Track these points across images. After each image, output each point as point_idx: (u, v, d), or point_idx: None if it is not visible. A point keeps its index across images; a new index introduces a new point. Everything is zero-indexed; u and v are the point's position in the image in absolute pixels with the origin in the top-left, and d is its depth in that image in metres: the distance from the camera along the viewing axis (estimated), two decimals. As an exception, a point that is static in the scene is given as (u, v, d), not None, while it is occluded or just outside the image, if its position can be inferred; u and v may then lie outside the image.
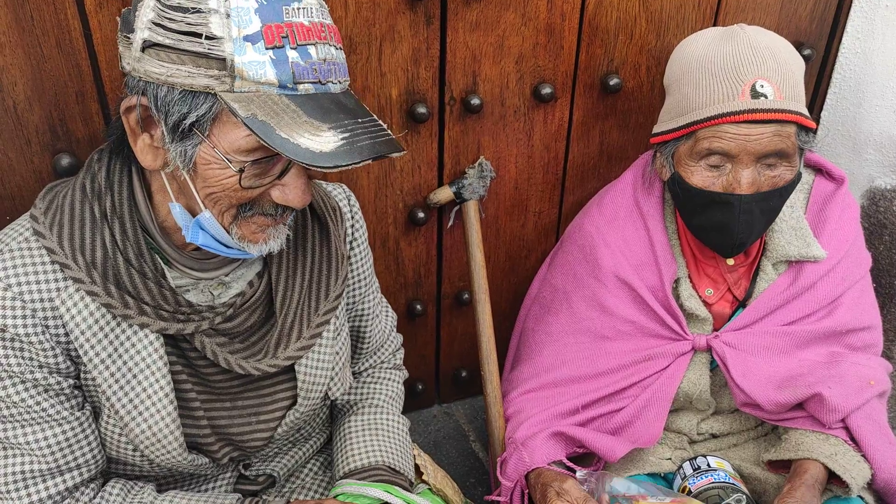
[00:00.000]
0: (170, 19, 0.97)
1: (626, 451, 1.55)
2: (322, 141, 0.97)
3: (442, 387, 2.18)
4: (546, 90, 1.73)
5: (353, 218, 1.39)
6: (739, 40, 1.47)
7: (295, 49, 0.99)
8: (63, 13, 1.29)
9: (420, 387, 2.12)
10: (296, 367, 1.28)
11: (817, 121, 2.06)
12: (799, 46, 1.92)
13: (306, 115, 0.98)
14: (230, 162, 1.02)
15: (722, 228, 1.50)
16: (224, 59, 0.96)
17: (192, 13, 0.96)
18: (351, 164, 0.97)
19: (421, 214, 1.79)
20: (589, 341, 1.69)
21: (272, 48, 0.97)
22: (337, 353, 1.33)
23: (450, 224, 1.85)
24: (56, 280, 1.10)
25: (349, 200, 1.40)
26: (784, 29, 1.89)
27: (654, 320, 1.63)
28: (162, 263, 1.16)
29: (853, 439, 1.50)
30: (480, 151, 1.79)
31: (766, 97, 1.42)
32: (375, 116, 1.07)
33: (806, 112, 1.46)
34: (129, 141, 1.08)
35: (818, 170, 1.71)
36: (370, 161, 1.00)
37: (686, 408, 1.68)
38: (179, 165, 1.05)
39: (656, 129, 1.59)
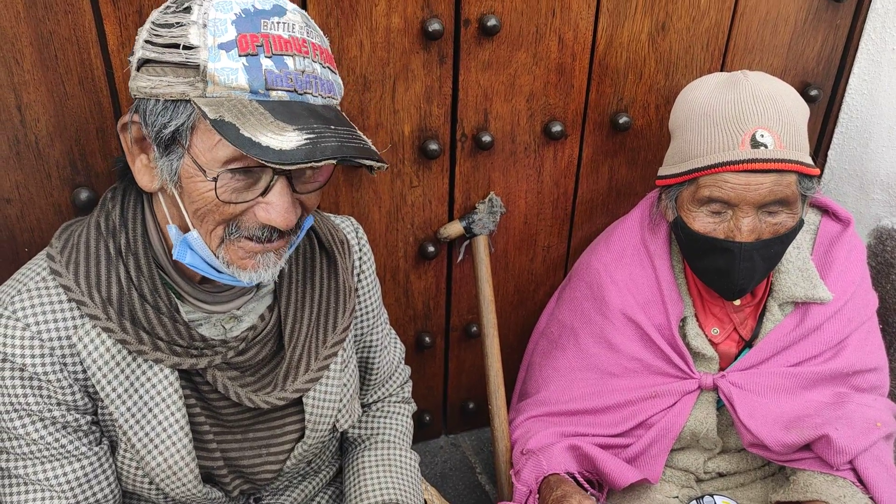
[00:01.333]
0: (158, 35, 1.02)
1: (636, 479, 1.55)
2: (284, 139, 0.96)
3: (449, 418, 2.19)
4: (556, 128, 1.76)
5: (360, 250, 1.40)
6: (742, 88, 1.48)
7: (270, 58, 1.00)
8: (87, 52, 1.33)
9: (427, 418, 2.12)
10: (303, 400, 1.29)
11: (824, 160, 2.08)
12: (806, 87, 1.94)
13: (274, 117, 0.98)
14: (206, 172, 1.02)
15: (723, 274, 1.52)
16: (198, 66, 0.99)
17: (176, 27, 1.01)
18: (310, 163, 0.95)
19: (431, 248, 1.81)
20: (596, 377, 1.70)
21: (245, 55, 0.99)
22: (345, 385, 1.34)
23: (459, 258, 1.87)
24: (73, 318, 1.11)
25: (357, 233, 1.41)
26: (791, 70, 1.92)
27: (660, 358, 1.64)
28: (175, 298, 1.18)
29: (861, 481, 1.50)
30: (491, 187, 1.81)
31: (766, 147, 1.43)
32: (359, 131, 1.07)
33: (808, 160, 1.47)
34: (129, 162, 1.11)
35: (825, 210, 1.72)
36: (333, 162, 0.97)
37: (693, 446, 1.68)
38: (167, 180, 1.07)
39: (661, 172, 1.61)
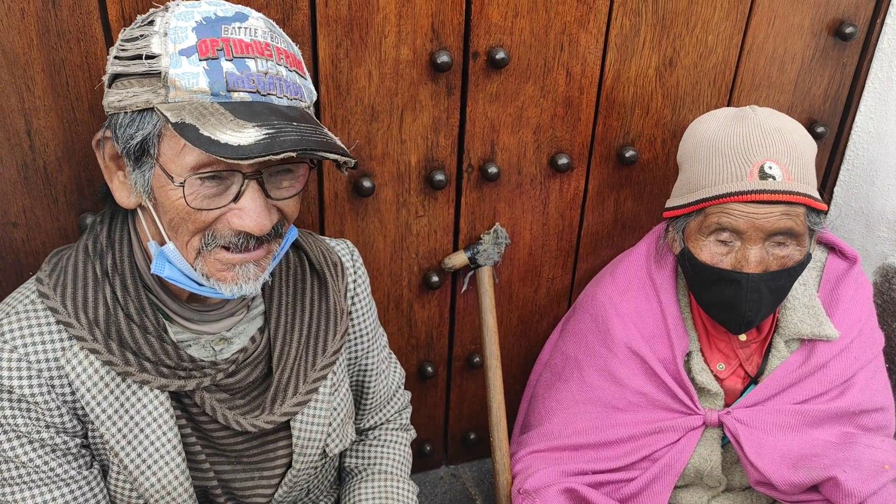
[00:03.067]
0: (124, 49, 1.04)
1: None
2: (243, 136, 0.96)
3: (450, 448, 2.17)
4: (563, 160, 1.76)
5: (355, 273, 1.40)
6: (750, 122, 1.49)
7: (231, 61, 1.01)
8: (98, 80, 1.33)
9: (428, 448, 2.11)
10: (291, 423, 1.27)
11: (830, 197, 2.08)
12: (812, 124, 1.95)
13: (234, 116, 0.99)
14: (172, 178, 1.03)
15: (730, 306, 1.51)
16: (160, 73, 1.00)
17: (140, 39, 1.03)
18: (267, 156, 0.94)
19: (435, 278, 1.81)
20: (599, 411, 1.68)
21: (206, 59, 1.00)
22: (335, 409, 1.33)
23: (464, 289, 1.86)
24: (61, 340, 1.11)
25: (352, 255, 1.41)
26: (798, 107, 1.92)
27: (664, 393, 1.63)
28: (163, 319, 1.17)
29: (868, 526, 1.48)
30: (496, 218, 1.81)
31: (774, 178, 1.43)
32: (327, 130, 1.06)
33: (815, 195, 1.47)
34: (106, 180, 1.12)
35: (831, 248, 1.72)
36: (293, 155, 0.96)
37: (696, 484, 1.66)
38: (141, 193, 1.07)
39: (668, 204, 1.61)
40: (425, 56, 1.56)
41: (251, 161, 0.95)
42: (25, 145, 1.34)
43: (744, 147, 1.47)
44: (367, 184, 1.61)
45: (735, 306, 1.50)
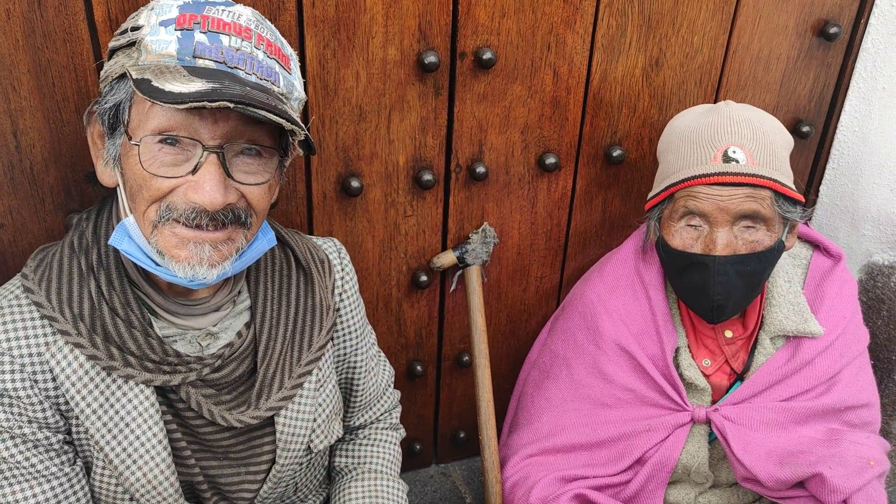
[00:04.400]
0: (121, 28, 1.09)
1: None
2: (187, 87, 0.97)
3: (440, 447, 2.17)
4: (550, 160, 1.77)
5: (343, 270, 1.40)
6: (720, 113, 1.53)
7: (205, 33, 1.04)
8: (84, 80, 1.33)
9: (418, 447, 2.11)
10: (275, 418, 1.27)
11: (816, 196, 2.09)
12: (798, 124, 1.96)
13: (191, 74, 1.00)
14: (131, 138, 1.04)
15: (700, 290, 1.52)
16: (137, 41, 1.04)
17: (134, 16, 1.08)
18: (203, 101, 0.94)
19: (424, 278, 1.81)
20: (589, 408, 1.69)
21: (181, 29, 1.03)
22: (320, 405, 1.33)
23: (452, 288, 1.87)
24: (45, 335, 1.11)
25: (339, 253, 1.41)
26: (783, 106, 1.94)
27: (653, 389, 1.64)
28: (149, 314, 1.17)
29: (854, 521, 1.49)
30: (484, 217, 1.82)
31: (737, 161, 1.46)
32: (290, 110, 1.09)
33: (783, 180, 1.49)
34: (93, 159, 1.15)
35: (816, 246, 1.73)
36: (230, 105, 0.95)
37: (684, 480, 1.67)
38: (111, 164, 1.10)
39: (648, 197, 1.63)
40: (413, 56, 1.56)
41: (183, 106, 0.94)
42: (11, 146, 1.34)
43: (710, 134, 1.51)
44: (355, 184, 1.62)
45: (704, 290, 1.51)
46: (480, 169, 1.72)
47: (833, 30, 1.83)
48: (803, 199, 1.52)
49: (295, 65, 1.16)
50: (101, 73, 1.11)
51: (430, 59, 1.54)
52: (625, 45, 1.72)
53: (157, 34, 1.03)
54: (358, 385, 1.48)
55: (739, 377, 1.65)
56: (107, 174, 1.13)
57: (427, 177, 1.68)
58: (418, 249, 1.80)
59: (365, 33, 1.50)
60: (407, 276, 1.83)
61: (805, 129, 1.95)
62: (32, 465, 1.13)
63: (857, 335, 1.67)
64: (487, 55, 1.58)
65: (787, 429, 1.59)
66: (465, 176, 1.74)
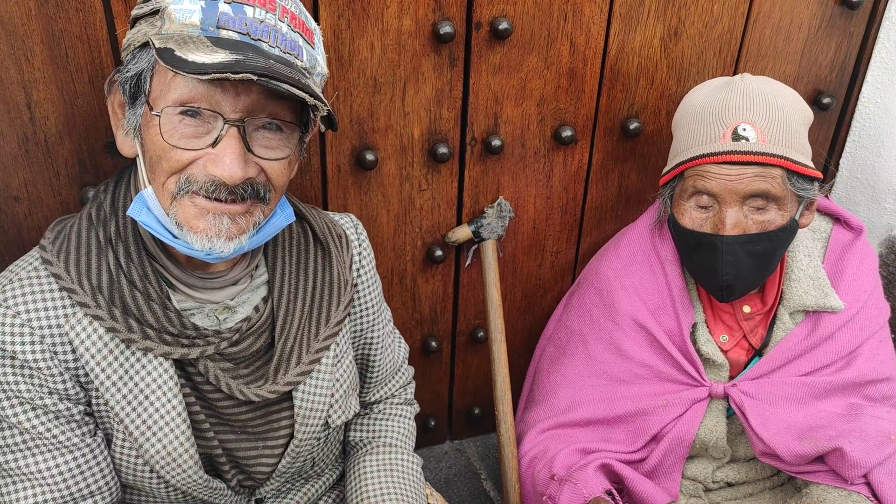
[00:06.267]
0: None
1: (664, 502, 1.54)
2: (210, 57, 0.96)
3: (454, 423, 2.17)
4: (566, 133, 1.75)
5: (360, 245, 1.39)
6: (734, 87, 1.50)
7: (229, 4, 1.02)
8: (97, 51, 1.32)
9: (432, 423, 2.11)
10: (293, 393, 1.27)
11: (836, 169, 2.06)
12: (819, 95, 1.93)
13: (214, 45, 0.99)
14: (152, 109, 1.03)
15: (709, 269, 1.51)
16: (161, 9, 1.02)
17: None
18: (226, 73, 0.93)
19: (439, 252, 1.80)
20: (605, 384, 1.68)
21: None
22: (337, 381, 1.33)
23: (467, 263, 1.86)
24: (64, 307, 1.11)
25: (357, 229, 1.41)
26: (804, 77, 1.90)
27: (670, 365, 1.62)
28: (167, 287, 1.17)
29: (875, 496, 1.48)
30: (500, 191, 1.80)
31: (747, 140, 1.43)
32: (314, 84, 1.07)
33: (797, 157, 1.45)
34: (113, 129, 1.14)
35: (836, 219, 1.71)
36: (253, 78, 0.94)
37: (702, 455, 1.66)
38: (132, 134, 1.09)
39: (661, 174, 1.61)
40: (428, 27, 1.54)
41: (206, 77, 0.94)
42: (26, 118, 1.33)
43: (721, 110, 1.47)
44: (369, 157, 1.60)
45: (713, 270, 1.49)
46: (496, 142, 1.70)
47: (856, -3, 1.79)
48: (821, 176, 1.49)
49: (318, 39, 1.15)
50: (123, 41, 1.09)
51: (446, 29, 1.52)
52: (643, 15, 1.69)
53: (181, 3, 1.01)
54: (374, 361, 1.48)
55: (758, 353, 1.63)
56: (127, 144, 1.12)
57: (442, 150, 1.66)
58: (433, 224, 1.79)
59: (380, 3, 1.48)
60: (422, 251, 1.82)
61: (826, 100, 1.92)
62: (54, 436, 1.13)
63: (877, 309, 1.65)
64: (503, 25, 1.56)
65: (806, 403, 1.58)
66: (481, 149, 1.73)
